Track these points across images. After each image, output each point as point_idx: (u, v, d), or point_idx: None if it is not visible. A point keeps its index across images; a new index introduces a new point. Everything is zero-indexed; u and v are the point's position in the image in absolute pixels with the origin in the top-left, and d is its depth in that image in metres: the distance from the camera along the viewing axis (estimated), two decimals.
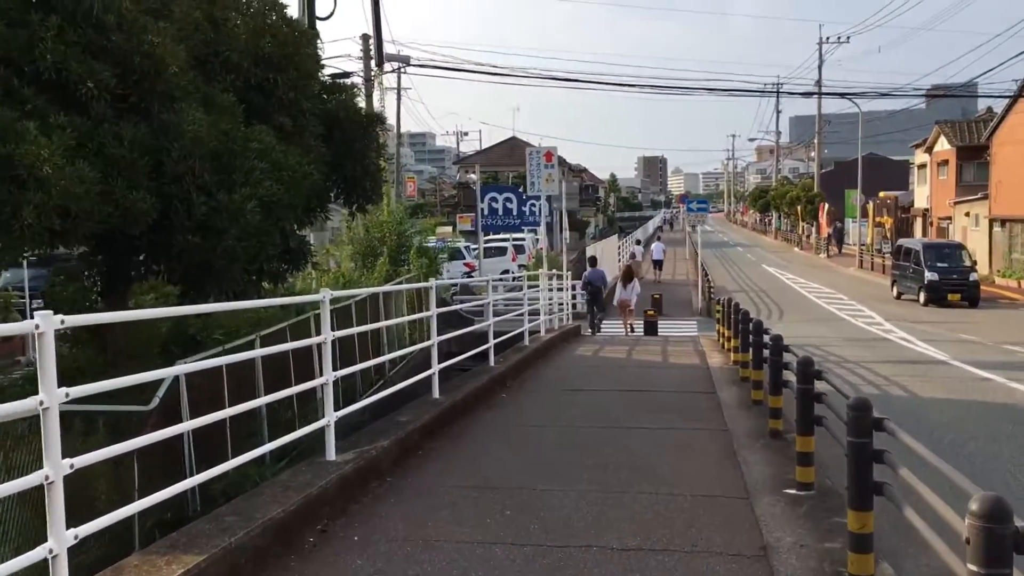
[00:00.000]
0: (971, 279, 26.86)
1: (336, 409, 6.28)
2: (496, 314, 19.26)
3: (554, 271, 20.19)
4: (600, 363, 14.74)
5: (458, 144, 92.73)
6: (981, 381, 13.66)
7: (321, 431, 6.20)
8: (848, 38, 51.35)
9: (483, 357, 12.39)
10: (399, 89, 53.21)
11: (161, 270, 9.35)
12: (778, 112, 79.82)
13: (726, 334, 15.94)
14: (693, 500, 6.01)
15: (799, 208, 60.31)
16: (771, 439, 7.98)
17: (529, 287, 18.75)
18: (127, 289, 9.85)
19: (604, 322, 22.26)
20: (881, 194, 54.08)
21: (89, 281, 9.98)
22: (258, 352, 8.00)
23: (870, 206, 49.56)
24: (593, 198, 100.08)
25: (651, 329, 20.54)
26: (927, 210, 44.22)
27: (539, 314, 16.69)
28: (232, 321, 10.55)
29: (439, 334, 9.28)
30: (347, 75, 24.00)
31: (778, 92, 77.85)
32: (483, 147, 78.41)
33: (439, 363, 9.20)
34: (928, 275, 26.82)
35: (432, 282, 9.94)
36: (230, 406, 6.54)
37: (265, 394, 8.20)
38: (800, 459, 6.36)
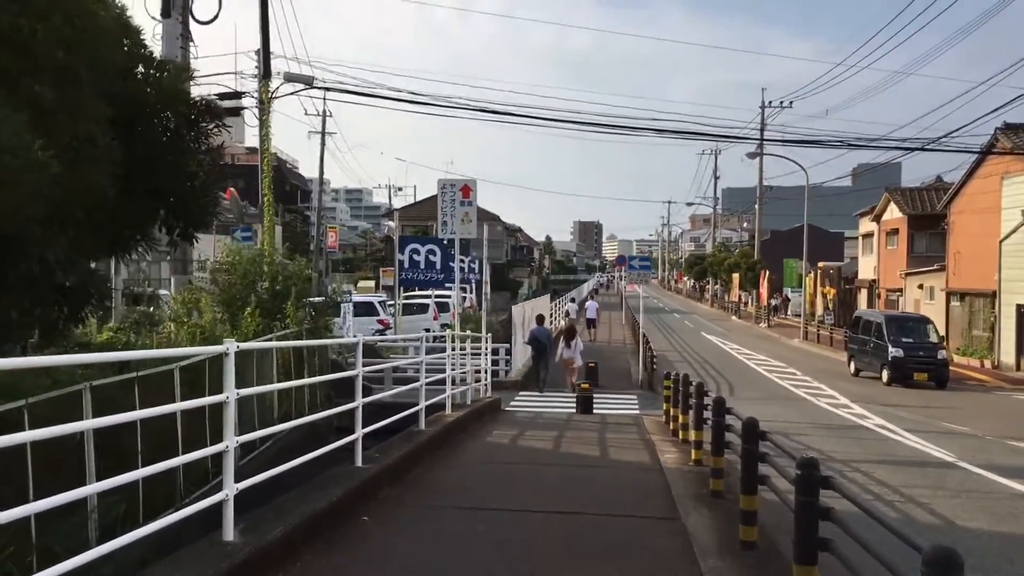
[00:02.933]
0: (939, 357, 24.00)
1: None
2: (403, 382, 15.51)
3: (467, 332, 16.57)
4: (518, 457, 11.04)
5: (390, 198, 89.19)
6: (1021, 499, 10.33)
7: None
8: (791, 103, 49.52)
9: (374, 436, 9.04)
10: (323, 128, 49.82)
11: None
12: (716, 177, 78.26)
13: (680, 418, 12.46)
14: None
15: (738, 275, 57.98)
16: None
17: (442, 350, 15.14)
18: None
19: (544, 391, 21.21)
20: (821, 264, 52.01)
21: None
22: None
23: (811, 275, 47.25)
24: (527, 259, 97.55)
25: (586, 406, 16.98)
26: (874, 281, 41.89)
27: (450, 384, 12.97)
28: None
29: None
30: (237, 95, 20.34)
31: (716, 152, 76.71)
32: (417, 200, 75.02)
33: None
34: (892, 351, 23.87)
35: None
36: None
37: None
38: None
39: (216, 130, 8.94)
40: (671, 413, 14.05)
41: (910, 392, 22.67)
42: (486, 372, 17.17)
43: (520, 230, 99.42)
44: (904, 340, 24.19)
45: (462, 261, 34.85)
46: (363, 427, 8.42)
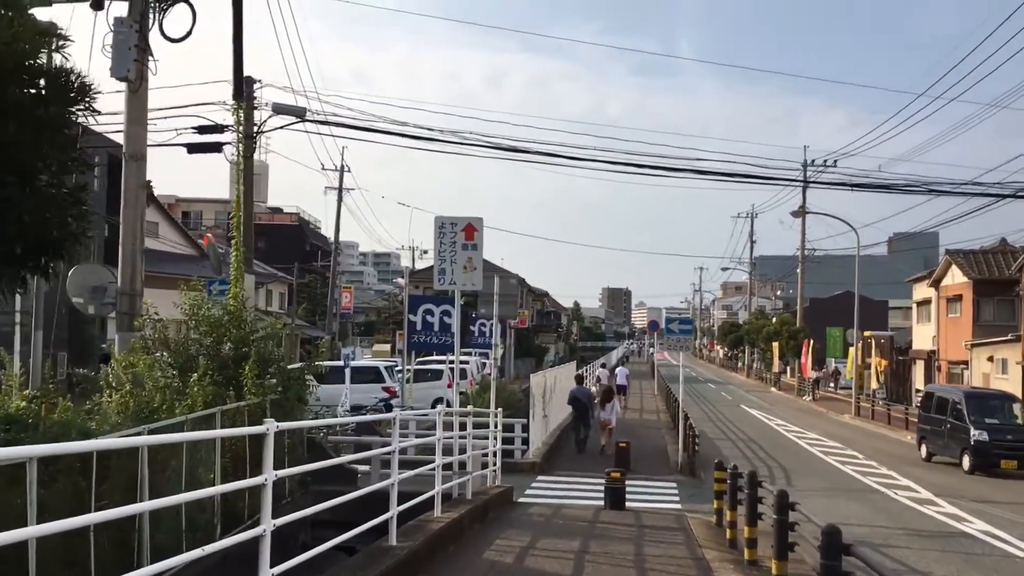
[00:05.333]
0: None
1: None
2: (407, 465, 12.48)
3: (469, 406, 13.59)
4: None
5: (413, 261, 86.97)
6: None
7: None
8: (835, 162, 46.53)
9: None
10: (341, 179, 47.31)
11: None
12: (752, 241, 75.11)
13: (745, 532, 9.32)
14: None
15: (778, 344, 54.47)
16: None
17: (456, 425, 12.16)
18: None
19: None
20: (868, 333, 48.43)
21: None
22: None
23: (859, 345, 43.65)
24: (555, 325, 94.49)
25: (616, 499, 13.80)
26: (933, 352, 38.32)
27: (439, 476, 9.91)
28: None
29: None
30: (219, 128, 17.79)
31: (753, 215, 73.67)
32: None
33: None
34: (975, 434, 20.42)
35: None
36: None
37: None
38: None
39: (84, 114, 6.16)
40: (727, 516, 10.93)
41: (999, 483, 19.19)
42: (495, 455, 14.09)
43: (547, 295, 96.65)
44: (988, 421, 20.76)
45: (483, 324, 32.11)
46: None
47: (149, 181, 49.26)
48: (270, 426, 5.38)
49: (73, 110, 5.94)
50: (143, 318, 12.65)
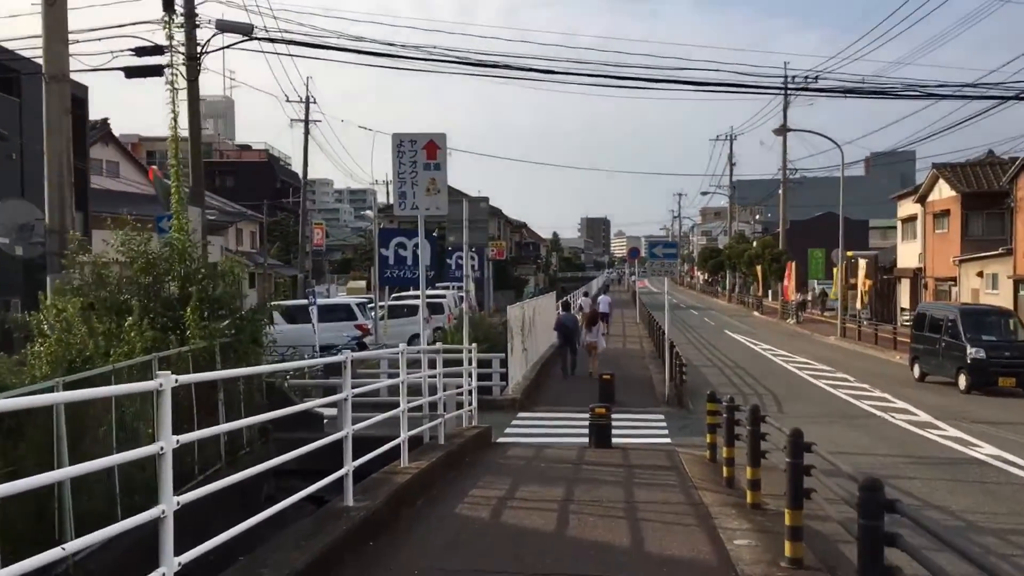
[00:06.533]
0: None
1: None
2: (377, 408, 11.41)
3: (438, 345, 12.52)
4: (501, 551, 6.84)
5: (387, 196, 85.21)
6: None
7: None
8: (816, 76, 45.02)
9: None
10: (307, 115, 45.48)
11: None
12: (732, 164, 73.84)
13: (748, 473, 8.38)
14: None
15: (759, 267, 53.70)
16: None
17: (433, 364, 11.12)
18: None
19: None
20: (849, 253, 47.63)
21: None
22: None
23: (842, 265, 42.85)
24: (534, 256, 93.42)
25: (602, 437, 12.85)
26: (919, 270, 37.57)
27: (405, 422, 8.87)
28: None
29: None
30: (158, 50, 16.26)
31: (732, 137, 72.22)
32: None
33: None
34: (972, 351, 19.65)
35: None
36: None
37: None
38: None
39: None
40: (723, 453, 10.02)
41: (999, 402, 18.47)
42: (471, 393, 13.06)
43: (525, 225, 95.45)
44: (985, 338, 19.98)
45: (460, 257, 30.90)
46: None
47: (106, 119, 46.74)
48: (165, 381, 4.24)
49: None
50: (71, 256, 11.40)
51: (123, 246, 11.56)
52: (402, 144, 11.63)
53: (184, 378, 4.67)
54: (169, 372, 4.39)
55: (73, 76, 22.24)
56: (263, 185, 64.75)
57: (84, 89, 34.51)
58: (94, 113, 33.28)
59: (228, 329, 11.77)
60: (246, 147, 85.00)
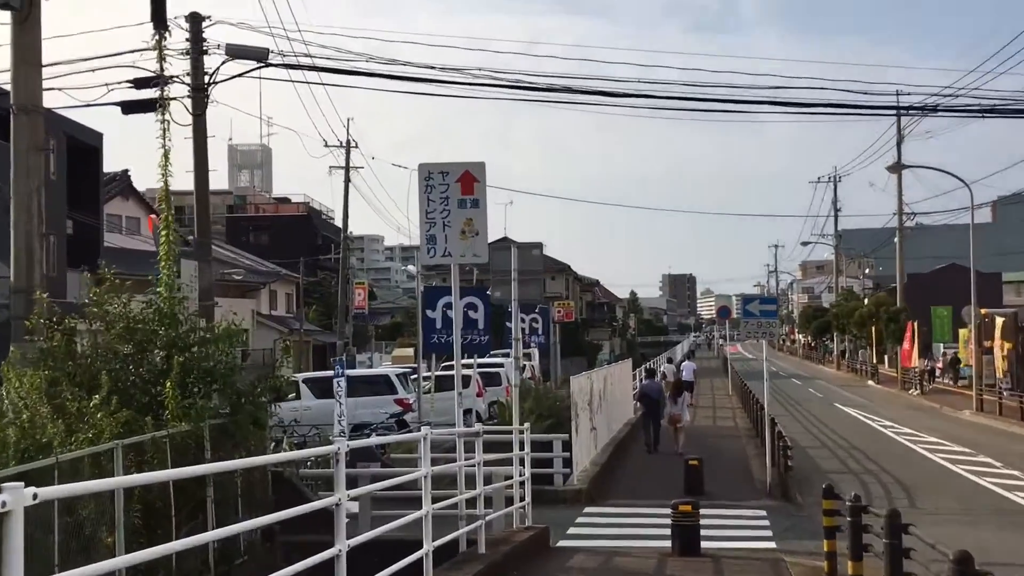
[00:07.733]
0: None
1: None
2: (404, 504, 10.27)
3: (477, 427, 11.29)
4: None
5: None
6: None
7: None
8: (936, 106, 43.24)
9: None
10: (348, 160, 45.06)
11: None
12: (836, 210, 71.66)
13: None
14: None
15: (874, 328, 51.42)
16: None
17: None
18: None
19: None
20: (983, 311, 45.24)
21: None
22: None
23: (975, 325, 40.54)
24: (608, 318, 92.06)
25: (688, 542, 11.44)
26: None
27: (428, 531, 7.68)
28: None
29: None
30: (164, 80, 15.67)
31: (836, 179, 70.08)
32: None
33: None
34: None
35: None
36: None
37: None
38: None
39: None
40: (849, 569, 8.61)
41: None
42: (522, 485, 11.79)
43: (598, 283, 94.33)
44: None
45: (522, 319, 29.76)
46: None
47: (127, 170, 46.92)
48: (14, 496, 3.12)
49: None
50: (36, 320, 10.57)
51: (97, 308, 10.73)
52: (430, 177, 10.51)
53: (47, 491, 3.47)
54: (22, 486, 3.23)
55: (69, 113, 21.83)
56: (301, 241, 64.96)
57: (98, 136, 34.77)
58: (115, 163, 33.31)
59: (222, 408, 10.82)
60: (284, 200, 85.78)
